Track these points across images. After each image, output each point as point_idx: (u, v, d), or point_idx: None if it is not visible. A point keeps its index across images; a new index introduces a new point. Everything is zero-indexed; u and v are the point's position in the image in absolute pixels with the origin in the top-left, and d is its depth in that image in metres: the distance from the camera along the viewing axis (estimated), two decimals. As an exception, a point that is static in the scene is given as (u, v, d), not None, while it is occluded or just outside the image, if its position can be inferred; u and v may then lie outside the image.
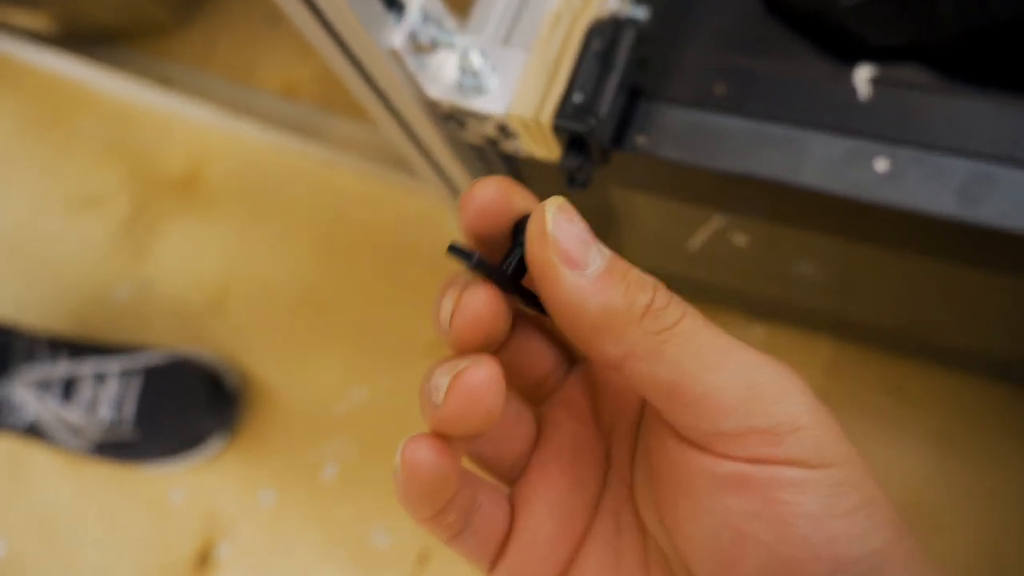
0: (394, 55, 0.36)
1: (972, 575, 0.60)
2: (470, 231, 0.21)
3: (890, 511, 0.19)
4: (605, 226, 0.54)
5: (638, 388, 0.19)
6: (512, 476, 0.24)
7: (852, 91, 0.38)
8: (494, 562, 0.23)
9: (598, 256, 0.19)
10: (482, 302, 0.19)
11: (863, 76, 0.38)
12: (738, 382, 0.18)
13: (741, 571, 0.19)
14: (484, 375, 0.19)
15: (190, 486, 0.76)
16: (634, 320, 0.18)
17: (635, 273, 0.19)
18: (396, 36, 0.35)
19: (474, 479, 0.23)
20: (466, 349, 0.20)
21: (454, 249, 0.19)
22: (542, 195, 0.58)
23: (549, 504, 0.23)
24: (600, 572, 0.22)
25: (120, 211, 0.88)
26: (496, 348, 0.21)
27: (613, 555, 0.22)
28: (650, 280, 0.20)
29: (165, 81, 0.90)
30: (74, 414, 0.72)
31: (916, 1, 0.36)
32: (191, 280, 0.83)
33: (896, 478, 0.63)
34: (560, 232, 0.19)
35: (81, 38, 0.92)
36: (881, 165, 0.36)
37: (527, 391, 0.25)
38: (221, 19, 0.93)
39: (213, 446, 0.74)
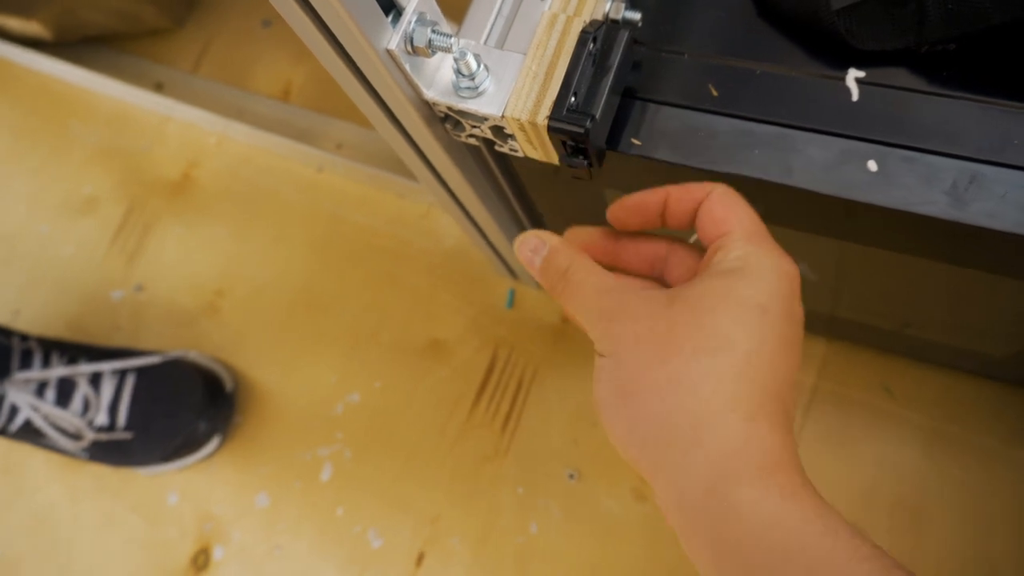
0: (391, 57, 0.36)
1: (961, 567, 0.60)
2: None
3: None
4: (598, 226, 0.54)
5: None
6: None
7: (844, 93, 0.39)
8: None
9: (538, 260, 0.36)
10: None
11: (854, 78, 0.39)
12: (590, 309, 0.34)
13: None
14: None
15: (185, 488, 0.76)
16: (551, 288, 0.36)
17: (557, 260, 0.35)
18: (393, 38, 0.36)
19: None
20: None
21: None
22: (536, 193, 0.58)
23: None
24: None
25: (114, 214, 0.88)
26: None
27: None
28: (560, 265, 0.35)
29: (159, 84, 0.90)
30: (69, 417, 0.72)
31: (905, 6, 0.36)
32: (186, 282, 0.83)
33: (888, 473, 0.63)
34: (519, 255, 0.37)
35: (75, 42, 0.92)
36: (873, 166, 0.37)
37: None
38: (214, 23, 0.93)
39: (208, 448, 0.74)
